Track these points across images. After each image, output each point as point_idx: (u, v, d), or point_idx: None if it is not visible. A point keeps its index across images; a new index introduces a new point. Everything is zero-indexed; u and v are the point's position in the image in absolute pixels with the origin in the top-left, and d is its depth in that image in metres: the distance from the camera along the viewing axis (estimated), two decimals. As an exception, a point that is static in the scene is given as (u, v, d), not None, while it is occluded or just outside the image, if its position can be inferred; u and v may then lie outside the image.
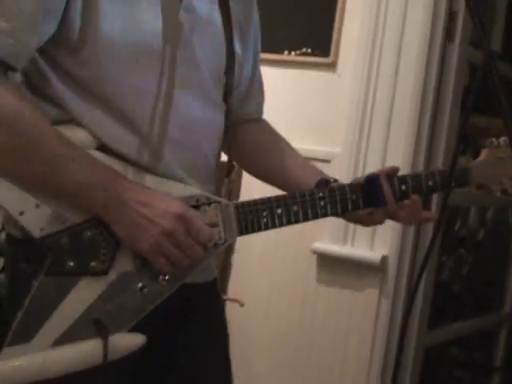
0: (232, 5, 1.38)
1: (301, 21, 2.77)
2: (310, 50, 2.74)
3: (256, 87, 1.55)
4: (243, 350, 2.83)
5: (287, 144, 1.58)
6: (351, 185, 1.39)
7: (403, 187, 1.40)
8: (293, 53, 2.77)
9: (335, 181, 1.46)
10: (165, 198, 1.20)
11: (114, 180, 1.18)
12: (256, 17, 1.50)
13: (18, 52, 1.14)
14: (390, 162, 2.58)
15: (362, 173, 2.61)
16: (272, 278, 2.86)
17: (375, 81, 2.61)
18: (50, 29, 1.17)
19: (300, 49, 2.75)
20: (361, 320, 2.67)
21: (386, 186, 1.39)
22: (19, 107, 1.12)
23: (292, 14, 2.79)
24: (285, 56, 2.77)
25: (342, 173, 2.56)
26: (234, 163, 1.43)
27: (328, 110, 2.75)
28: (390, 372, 2.65)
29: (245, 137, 1.55)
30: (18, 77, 1.21)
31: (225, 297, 2.63)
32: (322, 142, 2.69)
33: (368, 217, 1.43)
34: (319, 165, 2.62)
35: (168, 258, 1.20)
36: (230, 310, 2.81)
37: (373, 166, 2.59)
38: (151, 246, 1.18)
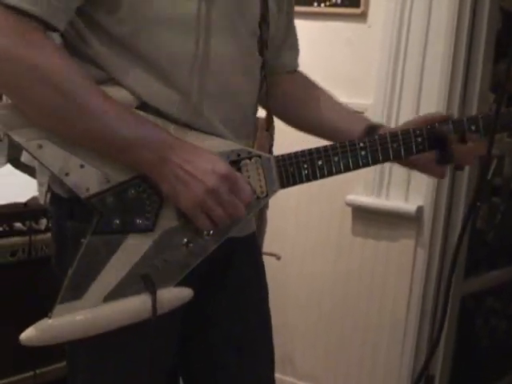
0: None
1: (329, -28, 2.74)
2: (339, 1, 2.71)
3: (291, 39, 1.55)
4: (280, 304, 2.86)
5: (324, 93, 1.57)
6: (393, 133, 1.37)
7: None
8: (322, 4, 2.74)
9: (381, 126, 1.46)
10: (210, 156, 1.20)
11: (159, 137, 1.18)
12: None
13: (59, 11, 1.14)
14: (424, 112, 2.54)
15: (394, 124, 2.60)
16: (307, 231, 2.87)
17: (407, 30, 2.58)
18: None
19: (330, 0, 2.72)
20: (397, 271, 2.68)
21: (455, 142, 1.37)
22: (64, 66, 1.13)
23: (321, -35, 2.76)
24: (314, 8, 2.75)
25: (375, 124, 2.55)
26: (262, 119, 1.42)
27: (359, 61, 2.73)
28: (427, 322, 2.67)
29: (280, 88, 1.54)
30: (57, 38, 1.21)
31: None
32: (353, 94, 2.68)
33: (430, 167, 1.43)
34: (352, 117, 2.62)
35: (210, 216, 1.20)
36: (266, 263, 2.83)
37: (406, 117, 2.55)
38: (194, 204, 1.19)
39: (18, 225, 2.17)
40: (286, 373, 2.93)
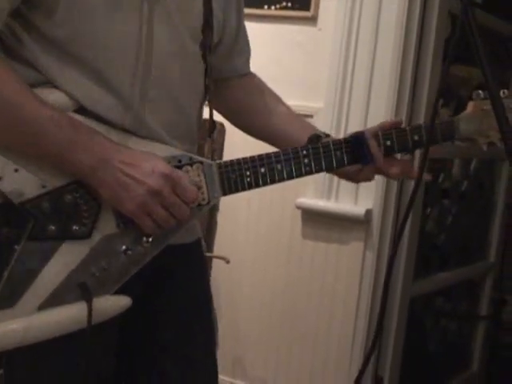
0: None
1: (280, -26, 2.73)
2: (289, 4, 2.71)
3: (241, 43, 1.53)
4: (230, 307, 2.85)
5: (275, 98, 1.56)
6: (336, 141, 1.37)
7: (388, 143, 1.38)
8: (272, 7, 2.73)
9: (327, 136, 1.45)
10: (150, 157, 1.19)
11: (97, 140, 1.16)
12: None
13: None
14: (373, 116, 2.57)
15: (344, 127, 2.61)
16: (257, 234, 2.86)
17: (356, 33, 2.59)
18: None
19: (280, 3, 2.72)
20: (346, 273, 2.69)
21: (372, 144, 1.36)
22: None
23: (270, -32, 2.75)
24: (265, 10, 2.74)
25: (325, 127, 2.53)
26: (216, 122, 1.41)
27: (309, 64, 2.73)
28: (375, 323, 2.68)
29: (230, 93, 1.53)
30: (-10, 40, 1.18)
31: (210, 254, 2.64)
32: (303, 97, 2.67)
33: (356, 173, 1.41)
34: (302, 120, 2.62)
35: (154, 218, 1.19)
36: (217, 267, 2.82)
37: (356, 120, 2.59)
38: (137, 206, 1.17)
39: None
40: (236, 376, 2.92)
